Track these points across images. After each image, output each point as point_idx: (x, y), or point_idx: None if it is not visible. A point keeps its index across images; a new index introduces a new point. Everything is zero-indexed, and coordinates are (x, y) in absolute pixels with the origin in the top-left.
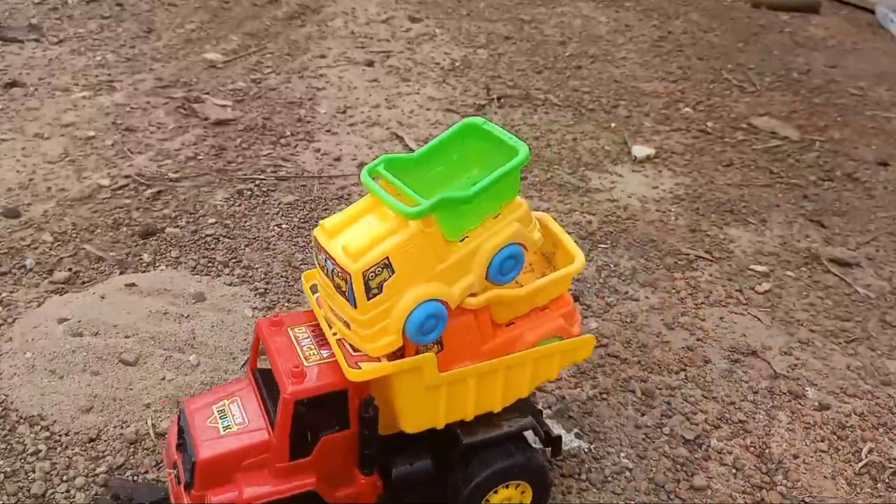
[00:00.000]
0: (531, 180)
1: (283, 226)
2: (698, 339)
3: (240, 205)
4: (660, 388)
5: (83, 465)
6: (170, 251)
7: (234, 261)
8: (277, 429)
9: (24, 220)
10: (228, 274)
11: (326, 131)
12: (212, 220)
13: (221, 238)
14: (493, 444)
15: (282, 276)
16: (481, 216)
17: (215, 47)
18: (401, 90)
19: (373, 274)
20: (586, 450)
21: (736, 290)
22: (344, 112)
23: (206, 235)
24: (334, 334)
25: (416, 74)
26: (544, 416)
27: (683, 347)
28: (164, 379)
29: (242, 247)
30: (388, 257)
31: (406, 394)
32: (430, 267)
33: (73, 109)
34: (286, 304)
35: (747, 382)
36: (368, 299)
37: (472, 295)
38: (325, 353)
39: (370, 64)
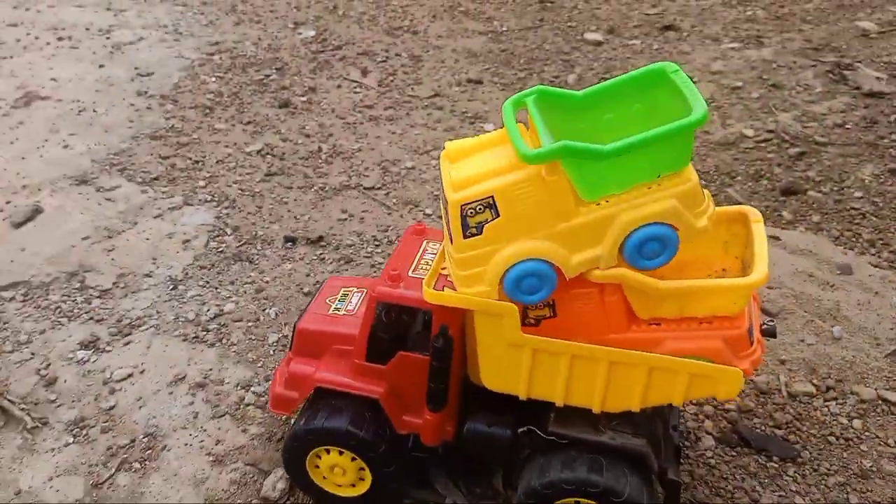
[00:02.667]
0: None
1: None
2: None
3: (892, 184)
4: None
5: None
6: (811, 215)
7: (881, 241)
8: (361, 325)
9: None
10: (875, 254)
11: None
12: (858, 194)
13: (868, 215)
14: (585, 448)
15: None
16: (630, 181)
17: (870, 16)
18: None
19: (472, 210)
20: None
21: None
22: None
23: (851, 208)
24: (444, 268)
25: None
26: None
27: None
28: (802, 341)
29: (892, 229)
30: (493, 196)
31: (488, 343)
32: (547, 222)
33: (721, 59)
34: None
35: None
36: (465, 237)
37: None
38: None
39: None
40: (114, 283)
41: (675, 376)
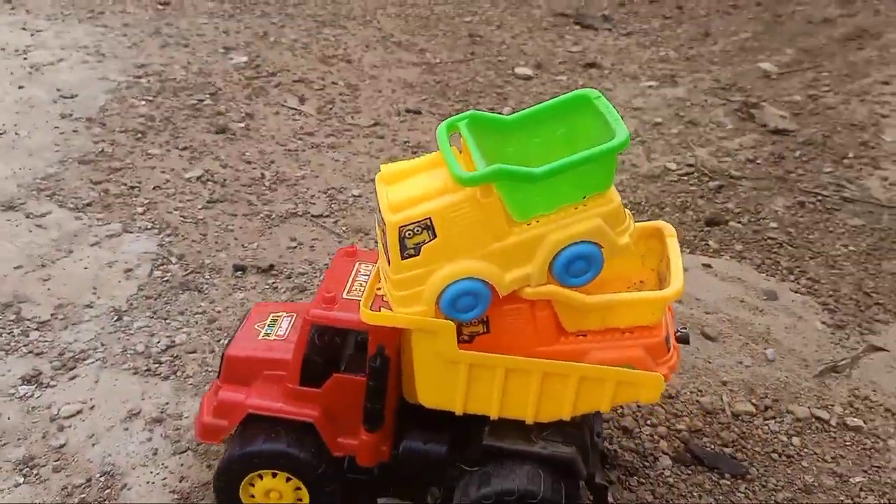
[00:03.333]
0: None
1: (850, 248)
2: None
3: (802, 216)
4: None
5: (664, 416)
6: (734, 244)
7: (798, 269)
8: (294, 349)
9: None
10: (794, 281)
11: (894, 161)
12: (773, 225)
13: (784, 244)
14: (517, 459)
15: (852, 300)
16: (558, 202)
17: (769, 58)
18: None
19: (410, 232)
20: None
21: None
22: None
23: (769, 238)
24: (379, 288)
25: None
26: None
27: None
28: (740, 363)
29: (807, 257)
30: (430, 218)
31: (424, 360)
32: (482, 242)
33: (640, 96)
34: (857, 328)
35: None
36: (402, 258)
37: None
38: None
39: None
40: (52, 315)
41: (603, 384)
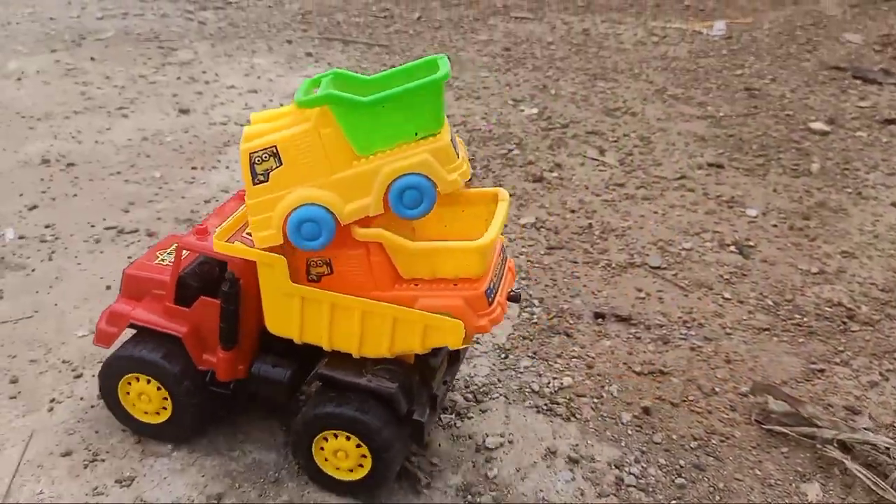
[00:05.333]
0: None
1: None
2: None
3: None
4: None
5: None
6: None
7: None
8: (171, 272)
9: None
10: None
11: None
12: None
13: None
14: (345, 388)
15: None
16: (394, 139)
17: None
18: None
19: (259, 159)
20: None
21: None
22: None
23: None
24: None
25: None
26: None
27: None
28: None
29: None
30: (275, 146)
31: (267, 291)
32: (324, 171)
33: None
34: None
35: None
36: (254, 184)
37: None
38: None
39: None
40: None
41: (413, 326)
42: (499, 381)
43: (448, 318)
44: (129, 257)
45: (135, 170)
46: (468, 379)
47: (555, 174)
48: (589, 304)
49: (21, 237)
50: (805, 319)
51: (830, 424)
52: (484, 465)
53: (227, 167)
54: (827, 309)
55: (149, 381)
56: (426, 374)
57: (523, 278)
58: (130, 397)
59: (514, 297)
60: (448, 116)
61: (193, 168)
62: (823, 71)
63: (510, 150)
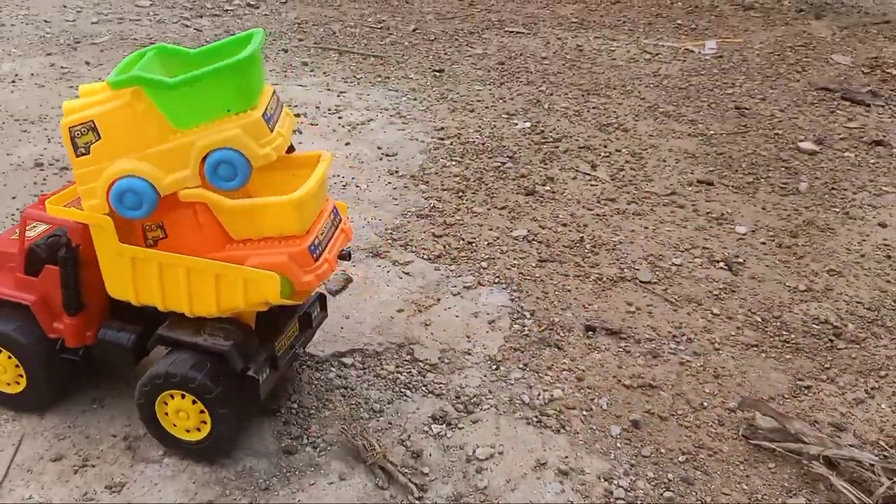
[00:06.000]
0: None
1: None
2: None
3: None
4: None
5: None
6: None
7: None
8: (19, 242)
9: None
10: None
11: None
12: None
13: None
14: (183, 348)
15: None
16: (208, 114)
17: None
18: None
19: (79, 132)
20: None
21: None
22: None
23: None
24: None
25: None
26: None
27: None
28: None
29: None
30: (93, 120)
31: (102, 253)
32: (142, 144)
33: None
34: None
35: None
36: (77, 156)
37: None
38: None
39: None
40: (439, 359)
41: (235, 282)
42: (489, 392)
43: (265, 272)
44: None
45: None
46: (459, 389)
47: (547, 188)
48: (580, 317)
49: None
50: (792, 336)
51: (817, 441)
52: (474, 475)
53: None
54: (814, 326)
55: (0, 352)
56: (269, 335)
57: (515, 290)
58: None
59: (344, 256)
60: (442, 128)
61: None
62: (812, 91)
63: (503, 164)
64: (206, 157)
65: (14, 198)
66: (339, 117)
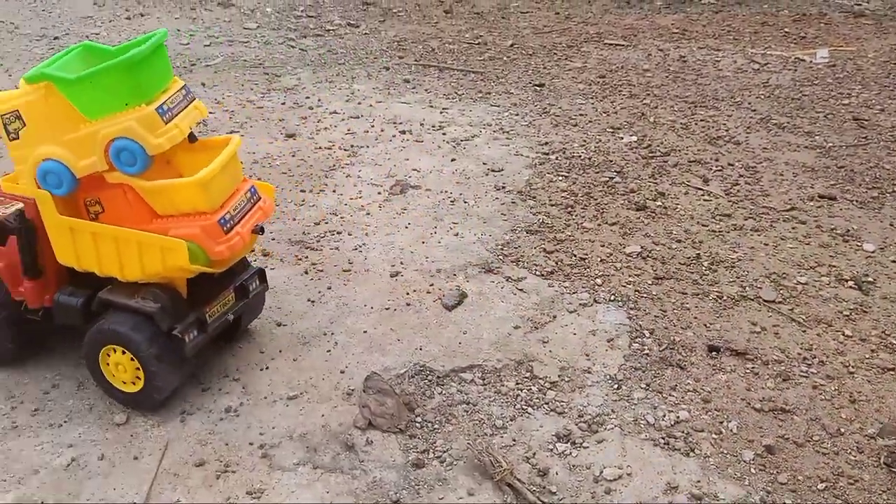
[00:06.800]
0: None
1: None
2: None
3: None
4: None
5: None
6: None
7: None
8: None
9: None
10: None
11: None
12: None
13: None
14: (118, 309)
15: None
16: (110, 107)
17: None
18: None
19: (9, 119)
20: None
21: None
22: None
23: None
24: None
25: None
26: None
27: None
28: None
29: None
30: (17, 110)
31: (48, 224)
32: (60, 132)
33: None
34: None
35: None
36: (10, 140)
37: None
38: None
39: None
40: (559, 377)
41: (153, 249)
42: (613, 411)
43: (175, 240)
44: None
45: None
46: (581, 408)
47: (658, 203)
48: (701, 337)
49: None
50: None
51: None
52: (604, 496)
53: (334, 190)
54: None
55: None
56: (200, 301)
57: (632, 307)
58: None
59: (256, 230)
60: (546, 143)
61: (302, 191)
62: None
63: (611, 178)
64: (109, 144)
65: None
66: (444, 133)
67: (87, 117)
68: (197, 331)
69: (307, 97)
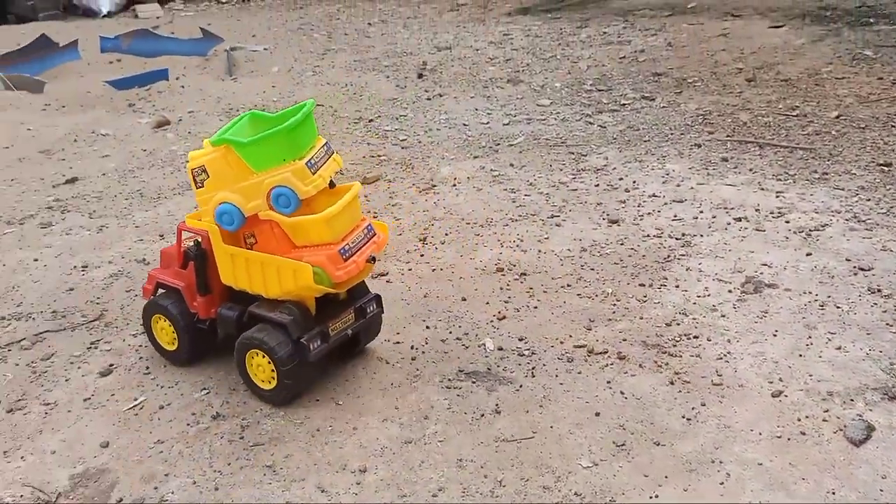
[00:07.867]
0: None
1: None
2: None
3: None
4: None
5: None
6: None
7: None
8: (176, 246)
9: None
10: None
11: None
12: None
13: None
14: (262, 320)
15: None
16: (273, 162)
17: None
18: None
19: (197, 172)
20: None
21: None
22: None
23: None
24: None
25: None
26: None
27: None
28: None
29: None
30: (204, 165)
31: (217, 253)
32: (233, 181)
33: None
34: None
35: None
36: (196, 188)
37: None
38: None
39: None
40: None
41: (288, 271)
42: None
43: (303, 264)
44: (608, 382)
45: (583, 283)
46: None
47: None
48: None
49: (499, 348)
50: None
51: None
52: None
53: (677, 286)
54: None
55: (164, 319)
56: (325, 317)
57: None
58: (157, 331)
59: (370, 259)
60: None
61: (641, 285)
62: None
63: None
64: (271, 191)
65: (488, 303)
66: (787, 221)
67: (255, 170)
68: (320, 341)
69: (620, 178)
